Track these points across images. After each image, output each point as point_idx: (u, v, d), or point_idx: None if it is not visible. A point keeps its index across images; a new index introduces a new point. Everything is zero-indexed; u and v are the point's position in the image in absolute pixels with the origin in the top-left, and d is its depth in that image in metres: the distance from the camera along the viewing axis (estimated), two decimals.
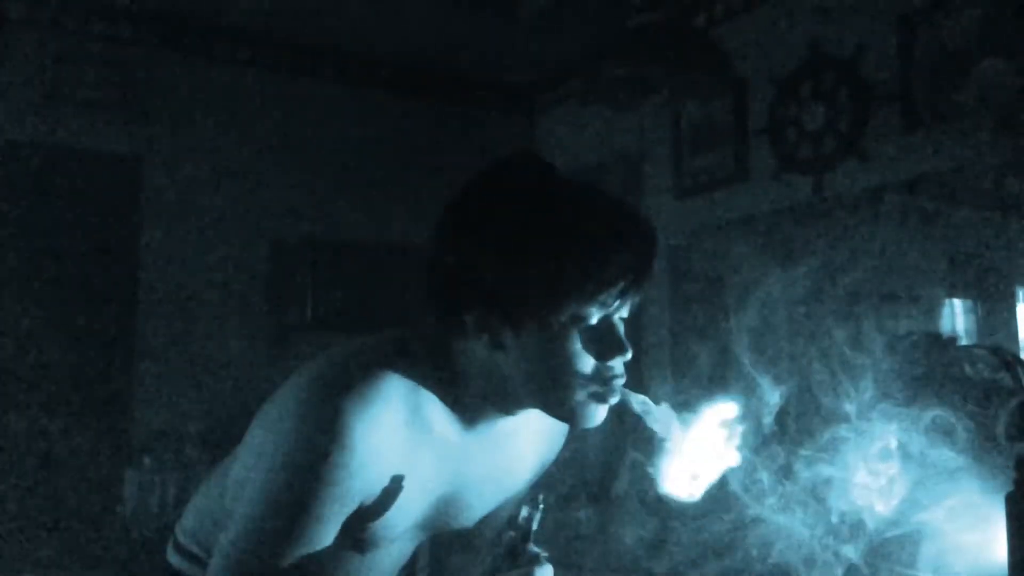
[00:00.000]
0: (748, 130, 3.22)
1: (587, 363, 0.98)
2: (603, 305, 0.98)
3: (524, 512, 0.97)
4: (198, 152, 3.59)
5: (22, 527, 3.06)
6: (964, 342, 2.43)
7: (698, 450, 1.09)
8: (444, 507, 1.09)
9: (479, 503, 1.11)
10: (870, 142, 2.77)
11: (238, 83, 3.74)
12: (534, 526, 0.97)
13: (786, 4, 3.13)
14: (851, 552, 1.28)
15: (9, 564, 2.99)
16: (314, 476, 0.93)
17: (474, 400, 1.03)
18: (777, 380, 1.20)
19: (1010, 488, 1.38)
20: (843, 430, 1.32)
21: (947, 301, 2.57)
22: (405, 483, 0.99)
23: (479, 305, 0.97)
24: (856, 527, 1.30)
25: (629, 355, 1.01)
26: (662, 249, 3.73)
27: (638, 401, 1.06)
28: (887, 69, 2.71)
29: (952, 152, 2.49)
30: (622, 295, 0.99)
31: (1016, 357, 1.89)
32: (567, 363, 0.97)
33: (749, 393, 1.19)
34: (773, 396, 1.21)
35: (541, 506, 0.98)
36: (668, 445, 1.08)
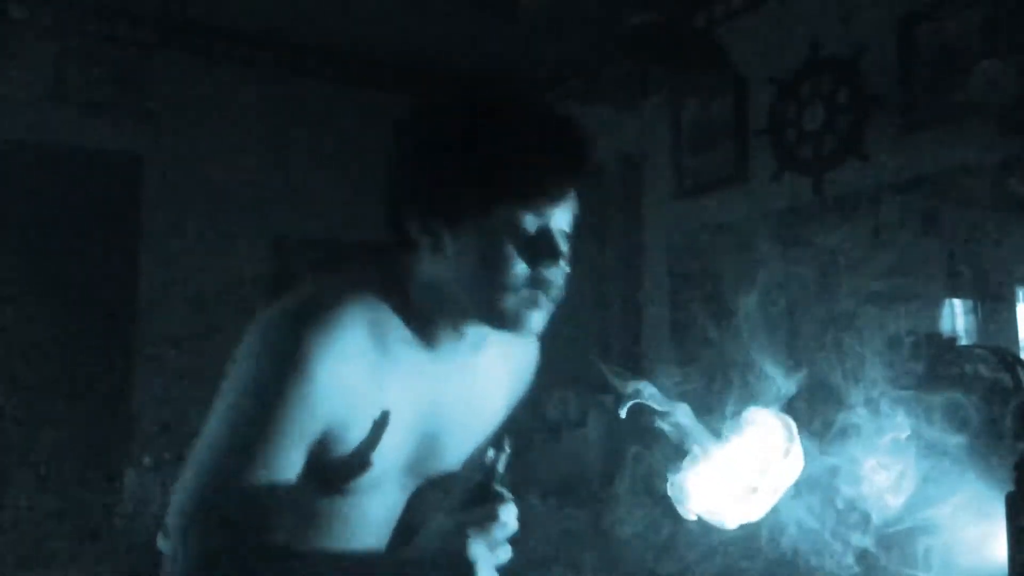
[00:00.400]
0: (748, 130, 3.22)
1: (520, 268, 1.02)
2: (536, 211, 1.02)
3: (490, 454, 0.99)
4: (198, 152, 3.59)
5: (22, 527, 3.06)
6: (964, 342, 2.43)
7: (744, 466, 1.04)
8: (427, 449, 1.12)
9: (461, 443, 1.14)
10: (870, 142, 2.77)
11: (238, 83, 3.74)
12: (500, 467, 0.99)
13: (786, 4, 3.13)
14: (862, 540, 1.28)
15: (10, 563, 2.99)
16: (276, 396, 0.97)
17: (426, 314, 1.07)
18: (786, 372, 1.20)
19: (1010, 488, 1.38)
20: (853, 418, 1.32)
21: (947, 301, 2.57)
22: (376, 411, 1.03)
23: (421, 211, 1.05)
24: (866, 516, 1.30)
25: (564, 266, 1.06)
26: (661, 248, 3.73)
27: (664, 408, 1.06)
28: (887, 69, 2.71)
29: (952, 152, 2.49)
30: (551, 199, 1.03)
31: (1016, 357, 1.90)
32: (500, 267, 1.01)
33: (753, 390, 1.19)
34: (785, 386, 1.20)
35: (507, 448, 1.00)
36: (698, 459, 1.05)
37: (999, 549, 1.40)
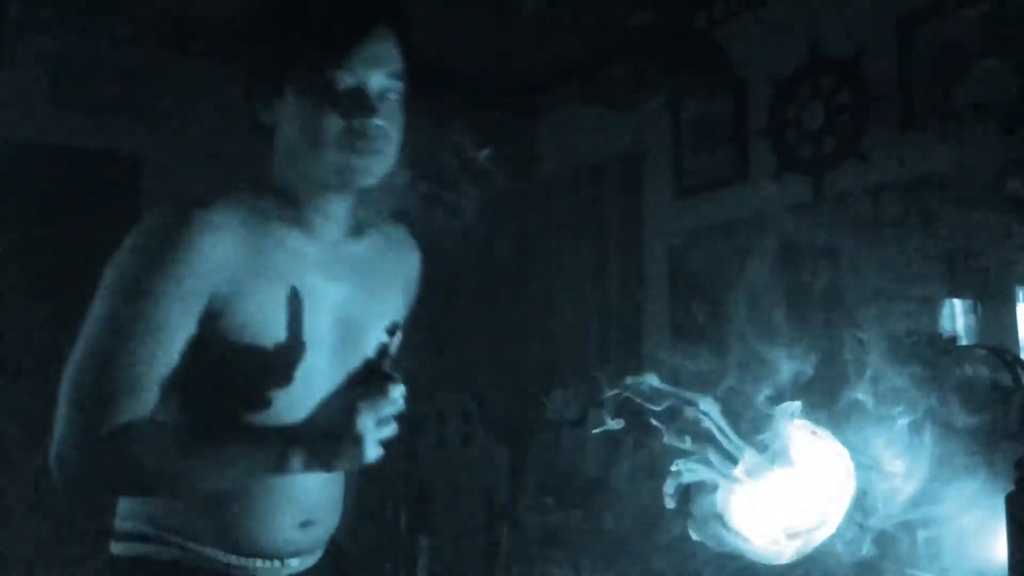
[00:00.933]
0: (748, 130, 3.22)
1: (334, 123, 1.09)
2: (346, 68, 1.10)
3: (384, 337, 1.05)
4: (199, 152, 3.59)
5: (23, 526, 3.06)
6: (964, 342, 2.43)
7: (798, 503, 1.01)
8: (347, 334, 1.19)
9: (375, 329, 1.15)
10: (870, 142, 2.77)
11: (238, 83, 3.74)
12: (392, 350, 1.04)
13: (786, 4, 3.13)
14: (878, 523, 1.28)
15: (11, 562, 2.99)
16: (138, 264, 1.04)
17: (291, 196, 1.15)
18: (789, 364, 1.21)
19: (1010, 488, 1.38)
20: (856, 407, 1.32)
21: (947, 301, 2.57)
22: (266, 287, 1.09)
23: (256, 90, 1.16)
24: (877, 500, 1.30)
25: (381, 121, 1.15)
26: (661, 248, 3.72)
27: (683, 400, 1.07)
28: (887, 69, 2.71)
29: (952, 152, 2.49)
30: (358, 55, 1.11)
31: (1016, 357, 1.90)
32: (319, 124, 1.08)
33: (752, 391, 1.19)
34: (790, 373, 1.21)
35: (399, 333, 1.06)
36: (736, 480, 1.04)
37: (999, 548, 1.40)
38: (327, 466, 1.00)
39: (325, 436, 0.99)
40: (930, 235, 2.62)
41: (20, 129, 3.28)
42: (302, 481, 1.13)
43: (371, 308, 1.23)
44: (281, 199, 1.15)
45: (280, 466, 0.99)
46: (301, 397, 1.09)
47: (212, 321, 1.06)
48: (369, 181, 1.16)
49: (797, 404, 1.08)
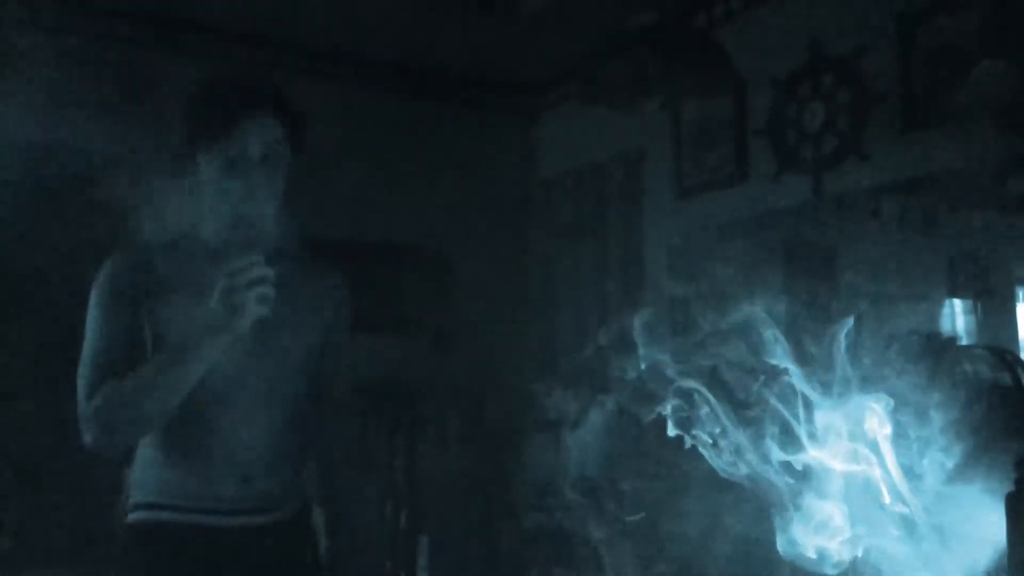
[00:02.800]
0: (748, 130, 3.22)
1: (226, 180, 1.43)
2: (230, 138, 1.42)
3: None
4: None
5: (24, 527, 3.06)
6: (964, 342, 2.43)
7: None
8: (263, 340, 1.44)
9: (289, 335, 1.52)
10: (870, 142, 2.77)
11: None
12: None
13: (786, 4, 3.13)
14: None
15: (11, 562, 2.99)
16: (97, 295, 1.48)
17: (209, 225, 1.50)
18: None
19: (1010, 488, 1.38)
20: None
21: (947, 301, 2.57)
22: (191, 291, 1.41)
23: (181, 148, 1.50)
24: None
25: (258, 176, 1.44)
26: (661, 248, 3.72)
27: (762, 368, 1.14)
28: (887, 69, 2.71)
29: (952, 152, 2.49)
30: (236, 130, 1.43)
31: (1016, 357, 1.90)
32: (216, 180, 1.44)
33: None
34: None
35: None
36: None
37: (999, 549, 1.40)
38: (227, 326, 1.33)
39: (217, 316, 1.33)
40: (930, 235, 2.62)
41: (19, 129, 3.28)
42: (237, 442, 1.46)
43: (286, 319, 1.47)
44: (209, 233, 1.49)
45: (206, 338, 1.34)
46: (223, 387, 1.44)
47: (155, 327, 1.45)
48: (255, 224, 1.43)
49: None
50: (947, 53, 2.54)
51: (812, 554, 1.07)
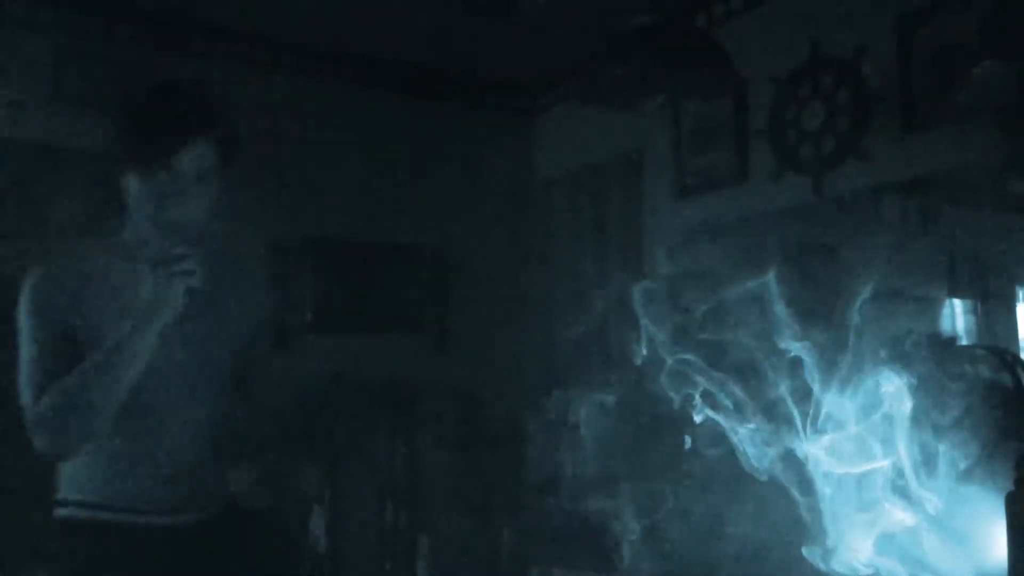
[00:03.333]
0: (748, 130, 3.22)
1: (159, 195, 1.50)
2: (158, 167, 1.48)
3: None
4: None
5: (25, 527, 3.06)
6: (964, 342, 2.43)
7: None
8: (188, 338, 1.54)
9: (212, 328, 1.61)
10: (870, 142, 2.77)
11: (238, 83, 3.74)
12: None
13: (786, 4, 3.13)
14: None
15: (12, 563, 2.99)
16: (25, 302, 1.50)
17: (136, 235, 1.56)
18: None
19: (1010, 488, 1.38)
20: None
21: (947, 301, 2.57)
22: (118, 291, 1.50)
23: (113, 165, 1.53)
24: None
25: (189, 191, 1.52)
26: (661, 248, 3.70)
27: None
28: (887, 69, 2.71)
29: (952, 152, 2.49)
30: (171, 151, 1.47)
31: (1016, 357, 1.90)
32: (143, 202, 1.51)
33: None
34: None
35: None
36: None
37: (999, 549, 1.40)
38: (158, 310, 1.45)
39: (148, 302, 1.46)
40: (930, 235, 2.61)
41: (18, 129, 3.28)
42: (161, 442, 1.52)
43: (208, 322, 1.57)
44: (135, 241, 1.56)
45: (138, 326, 1.44)
46: (149, 389, 1.49)
47: (87, 328, 1.48)
48: (188, 233, 1.53)
49: None
50: (947, 53, 2.54)
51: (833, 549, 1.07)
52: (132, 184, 1.52)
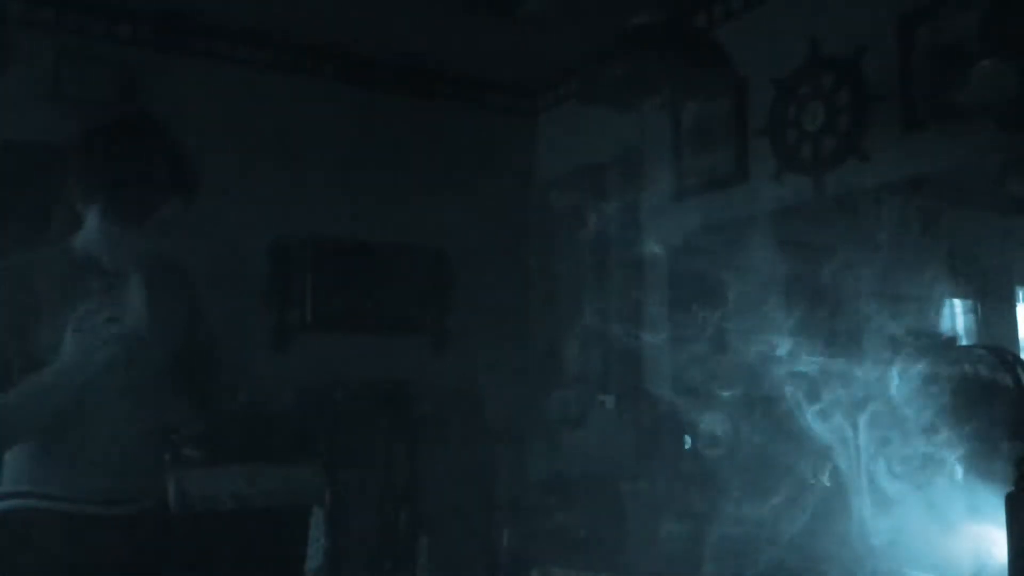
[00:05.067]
0: (748, 130, 3.22)
1: (114, 241, 1.60)
2: (132, 219, 1.58)
3: None
4: (198, 152, 3.58)
5: None
6: (964, 342, 2.43)
7: None
8: (131, 348, 1.57)
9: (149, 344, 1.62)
10: (870, 142, 2.77)
11: (238, 83, 3.74)
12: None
13: (786, 4, 3.13)
14: None
15: None
16: None
17: (87, 250, 1.63)
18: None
19: (1010, 488, 1.38)
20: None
21: (947, 301, 2.57)
22: (58, 303, 1.54)
23: (73, 189, 1.64)
24: None
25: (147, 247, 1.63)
26: (661, 248, 3.69)
27: None
28: (887, 69, 2.71)
29: (952, 152, 2.49)
30: (131, 214, 1.58)
31: (1016, 357, 1.90)
32: (96, 232, 1.61)
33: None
34: None
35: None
36: None
37: (999, 549, 1.40)
38: (70, 372, 1.51)
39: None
40: (930, 235, 2.61)
41: (18, 129, 3.28)
42: (105, 437, 1.58)
43: (147, 326, 1.61)
44: (85, 252, 1.61)
45: (57, 383, 1.51)
46: (94, 390, 1.54)
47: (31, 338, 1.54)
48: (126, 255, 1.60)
49: None
50: (947, 53, 2.54)
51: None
52: (92, 215, 1.59)
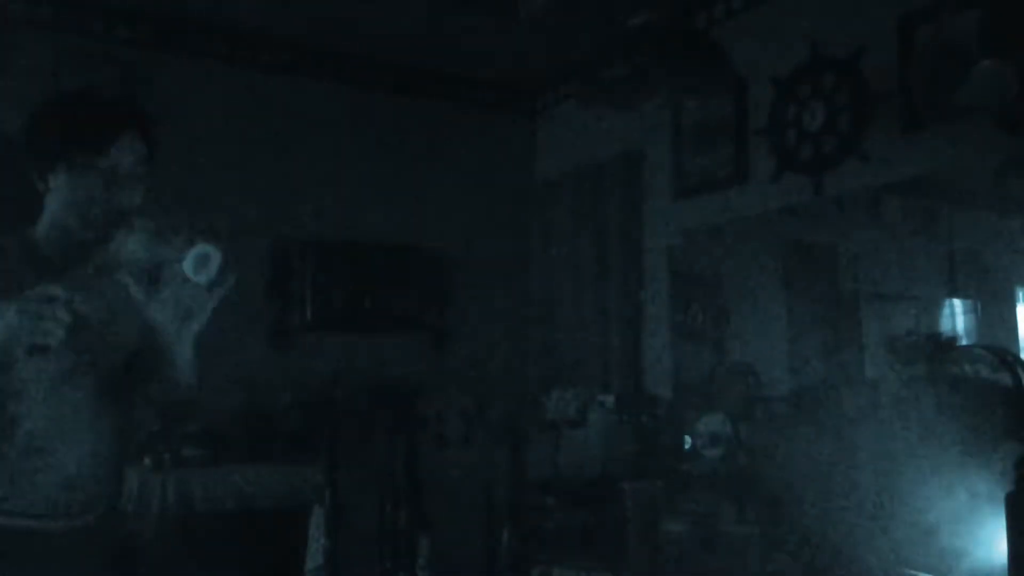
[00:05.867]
0: (748, 130, 3.22)
1: (97, 191, 1.49)
2: (102, 154, 1.48)
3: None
4: (198, 152, 3.59)
5: None
6: (964, 342, 2.43)
7: None
8: (85, 348, 1.48)
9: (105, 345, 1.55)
10: (870, 142, 2.77)
11: (238, 83, 3.74)
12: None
13: (786, 4, 3.13)
14: None
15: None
16: None
17: (50, 238, 1.55)
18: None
19: (1010, 488, 1.38)
20: None
21: (947, 301, 2.57)
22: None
23: (32, 161, 1.57)
24: None
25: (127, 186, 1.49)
26: (661, 248, 3.70)
27: None
28: (887, 69, 2.71)
29: (952, 152, 2.48)
30: (108, 147, 1.48)
31: (1016, 357, 1.90)
32: (65, 202, 1.51)
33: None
34: None
35: None
36: None
37: (999, 549, 1.40)
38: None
39: None
40: (930, 235, 2.62)
41: (19, 128, 3.28)
42: (59, 447, 1.48)
43: (103, 325, 1.52)
44: (44, 238, 1.53)
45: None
46: (45, 394, 1.47)
47: None
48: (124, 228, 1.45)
49: None
50: (947, 53, 2.54)
51: None
52: (58, 179, 1.52)
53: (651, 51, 2.46)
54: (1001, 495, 1.38)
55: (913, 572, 1.53)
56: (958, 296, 2.55)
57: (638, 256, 3.73)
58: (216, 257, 1.43)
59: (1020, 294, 2.44)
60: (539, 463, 3.21)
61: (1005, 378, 1.80)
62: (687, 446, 2.65)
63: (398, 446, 3.53)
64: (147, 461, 3.06)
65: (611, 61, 3.14)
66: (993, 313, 2.48)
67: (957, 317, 2.55)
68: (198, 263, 1.41)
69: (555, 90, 4.30)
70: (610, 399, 3.06)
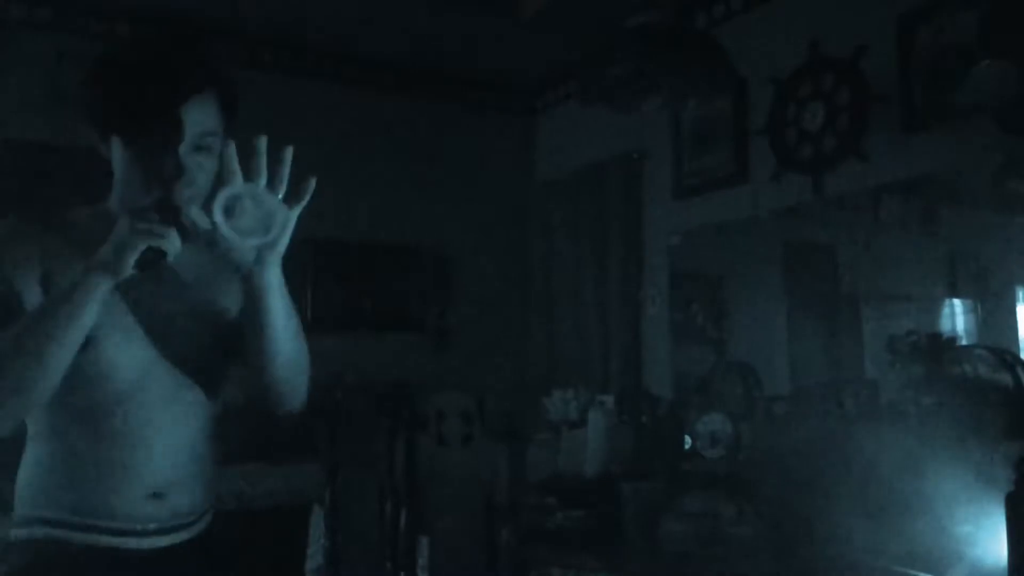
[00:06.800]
0: (748, 130, 3.22)
1: (138, 174, 1.28)
2: (151, 132, 1.25)
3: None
4: None
5: None
6: (964, 342, 2.43)
7: None
8: (167, 333, 1.31)
9: (190, 331, 1.36)
10: (870, 142, 2.77)
11: (237, 83, 3.74)
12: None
13: (786, 4, 3.13)
14: None
15: None
16: None
17: (120, 211, 1.28)
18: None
19: (1010, 488, 1.38)
20: None
21: (947, 301, 2.57)
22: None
23: (88, 127, 1.37)
24: None
25: (185, 180, 1.27)
26: (661, 248, 3.72)
27: None
28: (887, 69, 2.71)
29: (952, 152, 2.48)
30: (169, 113, 1.25)
31: (1016, 357, 1.90)
32: (142, 166, 1.27)
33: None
34: None
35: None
36: None
37: (999, 549, 1.40)
38: (97, 265, 1.14)
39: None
40: (930, 235, 2.62)
41: (18, 128, 3.28)
42: (145, 451, 1.28)
43: (187, 310, 1.36)
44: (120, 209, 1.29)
45: (83, 280, 1.14)
46: (125, 387, 1.27)
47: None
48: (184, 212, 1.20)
49: None
50: (947, 53, 2.54)
51: None
52: (117, 151, 1.31)
53: (651, 51, 2.46)
54: (1001, 495, 1.38)
55: (913, 572, 1.52)
56: (958, 296, 2.55)
57: (638, 256, 3.73)
58: (256, 194, 1.29)
59: (1020, 294, 2.44)
60: (539, 463, 3.21)
61: (1005, 378, 1.81)
62: (687, 446, 2.65)
63: (398, 446, 3.53)
64: None
65: (611, 61, 3.14)
66: (993, 313, 2.48)
67: (957, 317, 2.55)
68: (228, 206, 1.23)
69: (555, 90, 4.30)
70: (610, 399, 3.06)
